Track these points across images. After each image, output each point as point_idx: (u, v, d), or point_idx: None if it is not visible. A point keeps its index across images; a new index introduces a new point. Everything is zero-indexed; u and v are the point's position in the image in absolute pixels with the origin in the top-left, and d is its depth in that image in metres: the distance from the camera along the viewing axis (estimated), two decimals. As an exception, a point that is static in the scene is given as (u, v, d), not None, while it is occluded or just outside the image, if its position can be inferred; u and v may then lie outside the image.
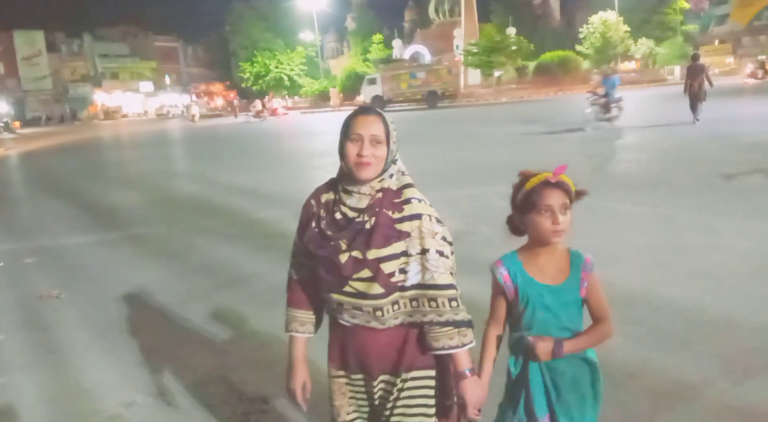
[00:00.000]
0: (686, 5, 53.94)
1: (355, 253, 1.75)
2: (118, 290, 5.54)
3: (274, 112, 41.06)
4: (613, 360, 3.32)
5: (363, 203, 1.80)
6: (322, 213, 1.86)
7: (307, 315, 1.99)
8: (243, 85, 62.53)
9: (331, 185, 1.90)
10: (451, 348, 1.80)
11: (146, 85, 76.79)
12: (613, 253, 5.30)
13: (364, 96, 41.00)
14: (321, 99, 56.14)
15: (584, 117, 17.00)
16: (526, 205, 1.87)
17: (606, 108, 16.67)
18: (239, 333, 4.32)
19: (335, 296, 1.82)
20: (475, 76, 54.23)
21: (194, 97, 64.61)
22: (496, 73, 50.09)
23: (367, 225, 1.77)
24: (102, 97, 71.29)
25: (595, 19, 50.65)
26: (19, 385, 3.78)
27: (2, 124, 51.28)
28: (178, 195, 11.33)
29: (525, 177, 1.90)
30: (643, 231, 6.10)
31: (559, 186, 1.84)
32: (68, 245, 7.61)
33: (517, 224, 1.96)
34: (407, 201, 1.82)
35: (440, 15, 69.27)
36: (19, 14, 75.05)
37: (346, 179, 1.84)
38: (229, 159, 17.20)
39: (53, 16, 75.54)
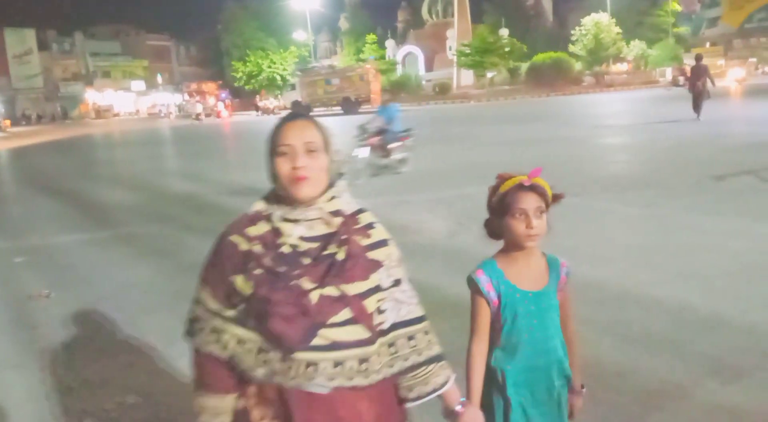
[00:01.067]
0: (678, 8, 54.25)
1: (329, 290, 1.42)
2: (109, 289, 5.52)
3: (218, 115, 41.54)
4: (603, 360, 3.33)
5: (318, 230, 1.49)
6: (258, 249, 1.47)
7: (224, 402, 1.52)
8: (236, 84, 62.32)
9: (256, 217, 1.53)
10: (441, 386, 1.58)
11: (138, 84, 76.47)
12: (603, 253, 5.32)
13: (284, 101, 43.07)
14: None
15: (355, 164, 10.76)
16: (500, 209, 1.84)
17: (384, 149, 11.36)
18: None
19: (302, 355, 1.40)
20: (468, 76, 54.36)
21: (186, 96, 64.32)
22: (489, 74, 50.21)
23: (339, 256, 1.46)
24: (93, 96, 70.94)
25: (588, 20, 50.86)
26: (9, 384, 3.76)
27: (-8, 123, 50.95)
28: (169, 193, 11.29)
29: (501, 180, 1.86)
30: (633, 232, 6.13)
31: (534, 189, 1.80)
32: (58, 244, 7.56)
33: (494, 228, 1.91)
34: (370, 225, 1.56)
35: (433, 16, 69.37)
36: (10, 12, 74.77)
37: (282, 206, 1.51)
38: (219, 156, 17.15)
39: (45, 14, 75.33)
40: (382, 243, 1.55)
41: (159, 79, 75.79)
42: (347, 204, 1.56)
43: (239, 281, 1.47)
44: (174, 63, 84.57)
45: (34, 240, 7.88)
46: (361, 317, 1.45)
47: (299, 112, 1.63)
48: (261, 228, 1.51)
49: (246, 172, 12.80)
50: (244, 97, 62.49)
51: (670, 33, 53.15)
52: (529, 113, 26.31)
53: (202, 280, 1.56)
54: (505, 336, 1.85)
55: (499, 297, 1.84)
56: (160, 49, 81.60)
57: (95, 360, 4.02)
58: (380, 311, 1.51)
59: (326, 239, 1.48)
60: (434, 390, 1.57)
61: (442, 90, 50.71)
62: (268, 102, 49.47)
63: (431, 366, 1.56)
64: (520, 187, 1.80)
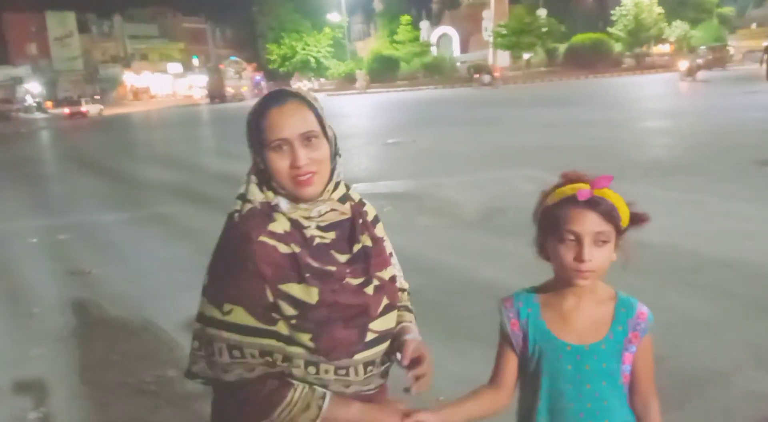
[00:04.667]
0: (723, -13, 52.44)
1: (375, 282, 1.34)
2: (148, 267, 5.65)
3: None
4: (640, 345, 3.29)
5: (331, 218, 1.34)
6: (298, 250, 1.26)
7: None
8: (270, 66, 62.62)
9: (269, 210, 1.30)
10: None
11: (174, 67, 77.35)
12: (641, 238, 5.22)
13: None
14: (347, 81, 56.00)
15: None
16: (546, 226, 1.33)
17: None
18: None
19: (360, 357, 1.30)
20: (504, 58, 53.55)
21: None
22: (526, 56, 49.37)
23: (367, 244, 1.37)
24: (131, 78, 72.04)
25: (628, 0, 49.50)
26: (53, 357, 3.88)
27: (35, 104, 52.26)
28: (205, 173, 11.44)
29: (559, 184, 1.35)
30: (673, 217, 5.99)
31: (595, 206, 1.25)
32: (99, 222, 7.75)
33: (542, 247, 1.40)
34: (362, 202, 1.46)
35: (469, -4, 68.33)
36: (51, -5, 75.99)
37: (287, 198, 1.31)
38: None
39: (84, -3, 76.22)
40: (377, 220, 1.48)
41: (195, 61, 76.54)
42: (346, 186, 1.40)
43: (297, 290, 1.24)
44: (210, 45, 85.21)
45: (76, 218, 8.09)
46: (395, 302, 1.40)
47: (286, 90, 1.34)
48: (283, 224, 1.28)
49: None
50: (278, 80, 62.76)
51: (714, 13, 51.40)
52: (566, 96, 25.83)
53: (229, 298, 1.24)
54: (546, 397, 1.36)
55: (525, 340, 1.37)
56: (196, 32, 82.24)
57: (135, 334, 4.13)
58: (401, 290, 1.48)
59: (342, 226, 1.35)
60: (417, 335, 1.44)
61: (477, 71, 50.11)
62: (302, 84, 49.68)
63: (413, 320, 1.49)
64: (575, 201, 1.26)
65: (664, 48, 52.86)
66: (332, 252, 1.31)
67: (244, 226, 1.28)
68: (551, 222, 1.30)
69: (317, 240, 1.29)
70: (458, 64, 55.47)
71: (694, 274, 4.42)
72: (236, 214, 1.31)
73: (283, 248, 1.25)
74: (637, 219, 1.31)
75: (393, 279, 1.42)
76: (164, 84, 76.77)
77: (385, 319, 1.34)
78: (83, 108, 36.76)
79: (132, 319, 4.41)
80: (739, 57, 42.71)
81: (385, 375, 1.38)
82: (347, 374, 1.28)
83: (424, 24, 65.65)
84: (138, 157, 15.47)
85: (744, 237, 5.21)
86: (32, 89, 60.21)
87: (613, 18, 50.35)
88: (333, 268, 1.28)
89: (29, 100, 54.10)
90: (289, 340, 1.24)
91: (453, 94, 35.79)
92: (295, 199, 1.30)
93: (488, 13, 56.03)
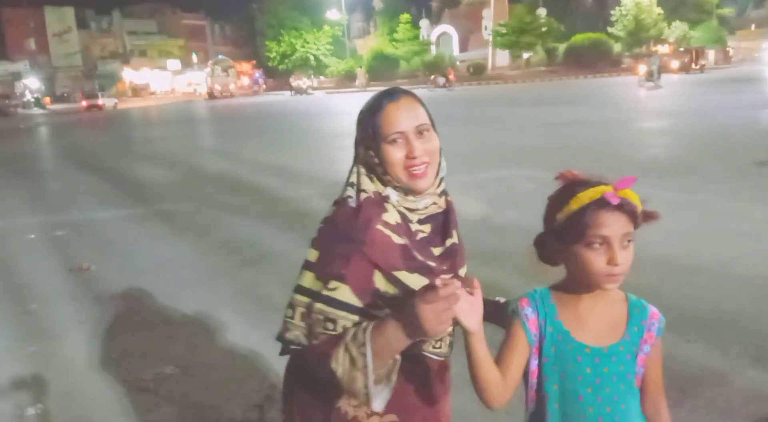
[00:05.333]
0: (723, -13, 52.47)
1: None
2: (147, 264, 5.64)
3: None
4: (639, 345, 3.29)
5: (430, 211, 1.40)
6: (407, 242, 1.32)
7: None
8: (269, 64, 62.55)
9: (382, 200, 1.34)
10: None
11: (173, 63, 77.22)
12: (640, 239, 5.22)
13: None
14: (347, 79, 55.97)
15: None
16: (569, 232, 1.25)
17: None
18: (265, 308, 4.36)
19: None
20: (503, 57, 53.54)
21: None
22: (525, 55, 49.38)
23: (455, 240, 1.44)
24: (130, 74, 71.92)
25: (628, 0, 49.51)
26: (50, 353, 3.87)
27: (33, 100, 52.15)
28: (204, 171, 11.43)
29: (570, 186, 1.29)
30: (672, 217, 5.99)
31: (623, 208, 1.22)
32: (98, 219, 7.74)
33: (551, 252, 1.35)
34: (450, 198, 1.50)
35: (469, -5, 68.26)
36: (50, -10, 75.71)
37: (398, 190, 1.36)
38: (254, 137, 17.30)
39: (83, -7, 76.03)
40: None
41: (194, 58, 76.41)
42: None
43: (410, 278, 1.29)
44: (209, 42, 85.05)
45: (74, 215, 8.08)
46: None
47: (399, 88, 1.40)
48: (395, 215, 1.32)
49: (279, 152, 12.91)
50: (277, 77, 62.70)
51: (714, 14, 51.45)
52: (566, 95, 25.84)
53: (337, 276, 1.27)
54: (559, 401, 1.32)
55: (541, 342, 1.32)
56: (196, 29, 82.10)
57: (135, 332, 4.12)
58: None
59: (436, 220, 1.40)
60: None
61: (477, 71, 50.10)
62: (301, 82, 49.79)
63: None
64: (603, 204, 1.22)
65: (663, 48, 52.91)
66: (429, 246, 1.38)
67: (364, 212, 1.31)
68: (578, 229, 1.23)
69: (420, 235, 1.36)
70: (458, 63, 55.47)
71: (692, 274, 4.42)
72: (350, 200, 1.35)
73: (396, 238, 1.31)
74: (649, 217, 1.28)
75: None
76: (163, 81, 76.64)
77: None
78: (99, 101, 40.25)
79: (130, 316, 4.40)
80: (733, 58, 42.87)
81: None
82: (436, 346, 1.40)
83: (423, 22, 65.59)
84: (145, 154, 15.46)
85: (743, 238, 5.22)
86: (31, 85, 60.07)
87: (613, 18, 50.39)
88: (433, 263, 1.35)
89: (28, 96, 53.96)
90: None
91: (452, 92, 35.79)
92: (405, 192, 1.36)
93: (488, 12, 56.04)
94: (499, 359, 1.32)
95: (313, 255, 1.33)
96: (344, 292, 1.27)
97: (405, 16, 59.07)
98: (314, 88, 49.60)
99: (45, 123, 32.91)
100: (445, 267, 1.36)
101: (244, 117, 28.45)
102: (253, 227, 6.77)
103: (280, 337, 1.39)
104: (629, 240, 1.25)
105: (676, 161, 9.11)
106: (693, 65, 39.18)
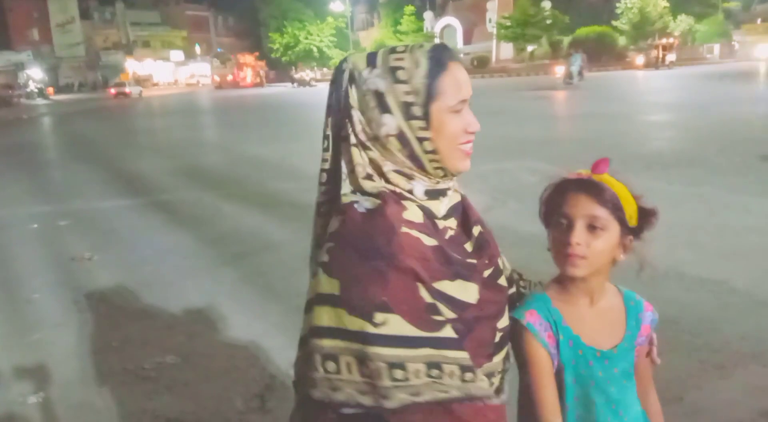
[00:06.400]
0: (729, -19, 52.10)
1: (506, 272, 1.25)
2: (149, 253, 5.65)
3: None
4: (641, 338, 3.28)
5: (454, 200, 1.17)
6: (440, 242, 1.08)
7: None
8: (272, 55, 62.43)
9: (401, 197, 1.09)
10: None
11: (177, 54, 77.08)
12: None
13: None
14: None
15: None
16: (544, 217, 1.29)
17: None
18: (266, 298, 4.37)
19: (496, 359, 1.12)
20: (507, 50, 53.32)
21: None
22: (530, 48, 49.17)
23: (482, 230, 1.21)
24: (133, 65, 71.85)
25: (633, -7, 49.22)
26: (52, 342, 3.88)
27: (36, 90, 52.14)
28: (205, 162, 11.43)
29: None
30: (676, 211, 5.97)
31: (588, 189, 1.19)
32: (100, 209, 7.74)
33: None
34: None
35: (473, -13, 67.96)
36: (53, -19, 75.56)
37: (425, 178, 1.11)
38: (255, 128, 17.28)
39: (87, -17, 75.87)
40: None
41: (197, 49, 76.27)
42: None
43: (453, 288, 1.05)
44: (212, 33, 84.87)
45: (77, 204, 8.08)
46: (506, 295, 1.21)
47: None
48: (417, 213, 1.08)
49: (279, 143, 12.89)
50: (280, 69, 62.57)
51: (720, 8, 51.11)
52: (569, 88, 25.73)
53: (381, 305, 0.98)
54: (576, 408, 1.27)
55: (557, 350, 1.25)
56: (199, 20, 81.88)
57: (136, 320, 4.13)
58: None
59: (457, 210, 1.17)
60: None
61: (481, 63, 49.91)
62: (304, 74, 49.87)
63: None
64: (569, 184, 1.23)
65: (669, 40, 52.64)
66: (459, 240, 1.14)
67: (381, 215, 1.04)
68: (548, 210, 1.26)
69: (448, 233, 1.11)
70: (461, 55, 55.26)
71: (695, 267, 4.40)
72: (357, 205, 1.06)
73: (426, 240, 1.05)
74: (646, 215, 1.22)
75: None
76: (166, 71, 76.54)
77: (507, 315, 1.18)
78: (127, 89, 45.28)
79: (132, 306, 4.41)
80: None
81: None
82: (492, 375, 1.10)
83: (427, 15, 65.32)
84: (148, 144, 15.45)
85: (748, 231, 5.20)
86: (34, 75, 60.00)
87: (618, 11, 50.09)
88: (474, 260, 1.11)
89: (31, 86, 53.95)
90: (450, 345, 1.03)
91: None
92: (436, 178, 1.11)
93: (492, 4, 55.75)
94: (535, 390, 1.22)
95: (331, 285, 1.01)
96: (397, 324, 0.98)
97: (409, 8, 58.84)
98: (317, 80, 49.54)
99: (48, 113, 32.90)
100: (486, 261, 1.14)
101: (248, 108, 28.41)
102: (255, 217, 6.77)
103: (305, 398, 1.07)
104: (600, 228, 1.18)
105: (680, 154, 9.07)
106: (660, 61, 39.07)
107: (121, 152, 13.72)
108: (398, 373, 0.99)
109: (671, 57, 39.45)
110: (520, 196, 6.64)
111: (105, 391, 3.23)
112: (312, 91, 40.48)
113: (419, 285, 1.01)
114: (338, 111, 1.10)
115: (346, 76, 1.10)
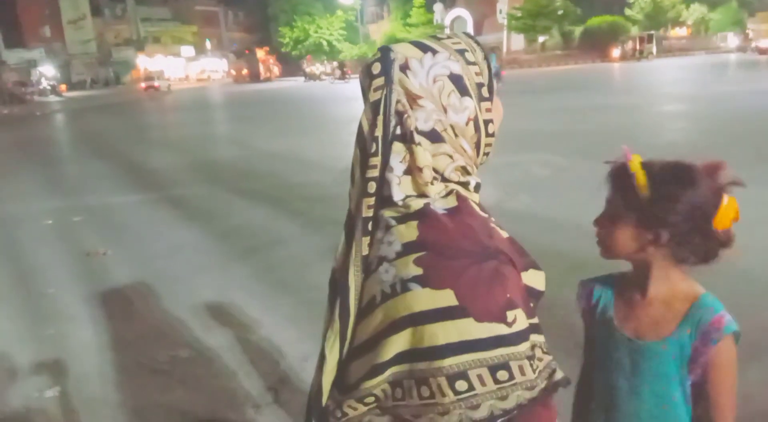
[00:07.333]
0: (743, -32, 51.38)
1: None
2: (162, 248, 5.69)
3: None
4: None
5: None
6: (508, 234, 1.09)
7: None
8: (282, 49, 62.47)
9: (463, 194, 1.05)
10: None
11: (187, 50, 77.27)
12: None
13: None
14: (360, 64, 55.71)
15: None
16: None
17: None
18: (278, 292, 4.38)
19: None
20: (518, 41, 52.96)
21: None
22: (541, 39, 48.82)
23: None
24: (144, 61, 72.13)
25: (646, -18, 48.69)
26: (68, 336, 3.92)
27: (49, 87, 52.50)
28: (217, 157, 11.47)
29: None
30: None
31: (608, 176, 1.23)
32: (113, 204, 7.80)
33: None
34: None
35: (484, -22, 67.52)
36: (64, -22, 75.93)
37: (475, 170, 1.10)
38: (267, 122, 17.31)
39: (97, -20, 76.17)
40: None
41: (208, 44, 76.45)
42: None
43: (530, 277, 1.04)
44: (222, 29, 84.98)
45: (91, 200, 8.14)
46: None
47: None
48: (476, 207, 1.06)
49: (292, 137, 12.91)
50: (290, 63, 62.59)
51: (734, -5, 50.44)
52: (582, 80, 25.55)
53: (506, 304, 0.93)
54: (600, 390, 1.32)
55: (591, 320, 1.33)
56: (209, 15, 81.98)
57: (149, 315, 4.16)
58: None
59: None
60: None
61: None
62: (314, 67, 49.87)
63: None
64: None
65: (681, 31, 52.05)
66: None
67: (469, 214, 0.99)
68: None
69: (493, 220, 1.05)
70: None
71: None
72: (434, 207, 0.98)
73: (502, 232, 1.03)
74: (661, 200, 1.16)
75: None
76: (177, 67, 76.80)
77: None
78: (156, 83, 48.46)
79: (146, 300, 4.44)
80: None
81: None
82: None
83: (437, 7, 64.97)
84: (160, 139, 15.54)
85: (762, 223, 5.13)
86: (46, 72, 60.44)
87: (630, 0, 49.59)
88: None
89: (44, 83, 54.33)
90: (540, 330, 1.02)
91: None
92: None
93: (503, -5, 55.36)
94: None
95: (442, 298, 0.91)
96: (522, 318, 0.95)
97: (418, 1, 58.58)
98: (327, 74, 49.47)
99: (61, 110, 33.12)
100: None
101: (259, 101, 28.46)
102: (266, 212, 6.79)
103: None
104: (612, 215, 1.21)
105: (693, 145, 8.97)
106: (637, 53, 38.82)
107: (133, 147, 13.80)
108: (536, 363, 0.97)
109: (650, 49, 39.30)
110: (532, 189, 6.61)
111: (119, 385, 3.26)
112: (322, 85, 40.51)
113: (520, 276, 0.99)
114: (389, 106, 0.98)
115: (396, 66, 0.99)
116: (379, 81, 1.00)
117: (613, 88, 19.71)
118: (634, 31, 48.23)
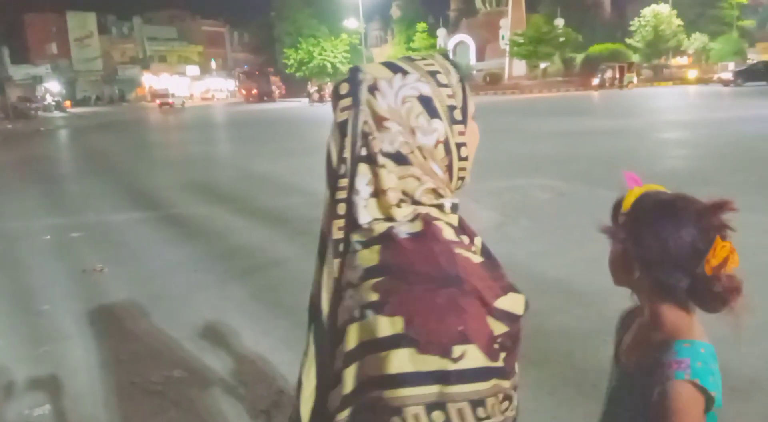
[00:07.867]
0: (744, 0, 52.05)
1: None
2: (160, 267, 5.66)
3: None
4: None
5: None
6: (483, 258, 1.04)
7: None
8: (287, 71, 63.06)
9: (429, 218, 0.98)
10: None
11: (193, 69, 77.99)
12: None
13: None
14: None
15: None
16: None
17: None
18: (274, 313, 4.35)
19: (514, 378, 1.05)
20: (520, 67, 53.45)
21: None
22: (542, 65, 49.27)
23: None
24: (150, 80, 72.72)
25: (648, 11, 49.28)
26: (61, 354, 3.88)
27: (54, 103, 52.90)
28: (218, 177, 11.48)
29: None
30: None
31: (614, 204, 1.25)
32: (112, 222, 7.78)
33: None
34: None
35: (487, 4, 68.25)
36: (72, -4, 76.91)
37: (449, 192, 1.03)
38: (269, 143, 17.38)
39: (105, -1, 77.19)
40: None
41: (213, 64, 77.16)
42: None
43: (506, 302, 0.96)
44: (228, 49, 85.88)
45: (89, 217, 8.13)
46: None
47: None
48: (450, 231, 0.99)
49: (293, 158, 12.95)
50: (294, 84, 63.13)
51: (735, 26, 51.03)
52: (582, 105, 25.72)
53: (459, 337, 0.86)
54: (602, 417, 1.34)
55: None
56: (215, 35, 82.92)
57: (144, 334, 4.12)
58: None
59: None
60: None
61: (493, 80, 50.08)
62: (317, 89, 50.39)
63: None
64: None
65: (682, 60, 52.56)
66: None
67: (432, 239, 0.93)
68: None
69: (473, 247, 1.02)
70: (474, 72, 55.45)
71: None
72: (398, 231, 0.93)
73: (473, 257, 0.96)
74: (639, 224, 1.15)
75: None
76: (182, 86, 77.43)
77: None
78: (170, 100, 51.43)
79: (142, 319, 4.41)
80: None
81: None
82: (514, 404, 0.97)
83: (441, 31, 65.74)
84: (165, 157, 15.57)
85: (763, 250, 5.11)
86: (52, 88, 60.94)
87: (632, 29, 50.15)
88: (503, 271, 1.02)
89: (49, 99, 54.76)
90: (505, 374, 0.93)
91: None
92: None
93: (505, 21, 56.00)
94: None
95: (393, 325, 0.86)
96: (474, 356, 0.86)
97: (422, 25, 59.31)
98: (330, 96, 50.06)
99: (64, 126, 33.31)
100: (503, 270, 1.03)
101: (262, 121, 28.62)
102: (266, 232, 6.77)
103: None
104: (613, 239, 1.20)
105: (694, 172, 8.99)
106: (617, 82, 39.33)
107: (133, 165, 13.83)
108: (480, 412, 0.87)
109: (630, 78, 39.81)
110: (532, 213, 6.60)
111: (112, 405, 3.22)
112: (327, 107, 40.77)
113: (484, 309, 0.90)
114: (356, 127, 0.96)
115: (364, 87, 0.97)
116: (347, 101, 0.98)
117: (614, 114, 19.80)
118: (635, 58, 48.74)
